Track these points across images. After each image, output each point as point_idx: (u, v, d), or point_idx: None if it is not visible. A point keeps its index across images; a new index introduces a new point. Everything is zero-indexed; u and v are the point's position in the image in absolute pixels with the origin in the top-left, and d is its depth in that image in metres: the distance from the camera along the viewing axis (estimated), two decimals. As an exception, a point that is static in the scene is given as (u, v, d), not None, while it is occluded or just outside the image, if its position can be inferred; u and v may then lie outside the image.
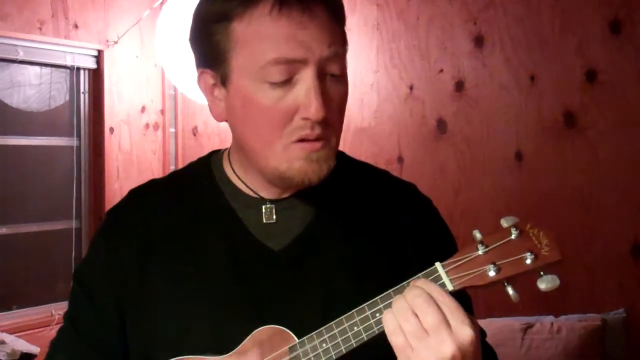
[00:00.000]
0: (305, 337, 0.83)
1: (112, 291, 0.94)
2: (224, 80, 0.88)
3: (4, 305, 2.85)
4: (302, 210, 0.94)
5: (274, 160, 0.86)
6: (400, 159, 2.59)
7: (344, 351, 0.81)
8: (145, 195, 1.00)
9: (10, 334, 2.63)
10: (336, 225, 0.94)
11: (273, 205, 0.93)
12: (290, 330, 0.85)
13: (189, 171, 1.02)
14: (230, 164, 0.97)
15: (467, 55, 2.43)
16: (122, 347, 0.95)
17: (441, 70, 2.50)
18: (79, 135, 3.11)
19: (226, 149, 1.01)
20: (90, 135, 3.15)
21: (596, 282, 2.14)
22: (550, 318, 2.14)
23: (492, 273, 0.78)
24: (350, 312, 0.81)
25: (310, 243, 0.92)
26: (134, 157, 3.26)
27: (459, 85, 2.46)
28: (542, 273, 0.78)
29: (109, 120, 3.13)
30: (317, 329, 0.83)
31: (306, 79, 0.83)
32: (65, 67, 3.01)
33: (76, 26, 3.00)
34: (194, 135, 3.34)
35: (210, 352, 0.87)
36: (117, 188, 3.17)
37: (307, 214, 0.94)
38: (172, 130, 3.40)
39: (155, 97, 3.36)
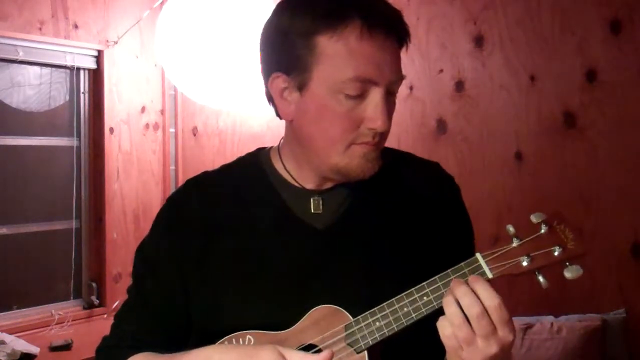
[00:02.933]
0: (359, 317, 0.93)
1: (176, 267, 1.04)
2: (300, 87, 0.98)
3: (4, 305, 2.85)
4: (342, 197, 1.05)
5: (336, 157, 0.98)
6: (400, 159, 2.59)
7: (395, 329, 0.92)
8: (201, 183, 1.11)
9: (10, 334, 2.64)
10: (372, 206, 1.06)
11: (320, 197, 1.05)
12: (338, 301, 0.95)
13: (239, 164, 1.13)
14: (281, 158, 1.08)
15: (467, 55, 2.43)
16: (185, 319, 1.05)
17: (441, 70, 2.50)
18: (79, 135, 3.11)
19: (271, 146, 1.12)
20: (90, 135, 3.15)
21: (596, 282, 2.14)
22: (550, 318, 2.14)
23: (525, 263, 0.90)
24: (400, 295, 0.92)
25: (350, 223, 1.04)
26: (134, 157, 3.26)
27: (459, 85, 2.46)
28: (567, 264, 0.90)
29: (109, 120, 3.13)
30: (361, 298, 0.94)
31: (376, 96, 0.96)
32: (65, 67, 3.01)
33: (76, 26, 3.00)
34: (194, 135, 3.34)
35: (267, 323, 0.97)
36: (117, 188, 3.17)
37: (346, 200, 1.05)
38: (172, 130, 3.40)
39: (155, 97, 3.36)
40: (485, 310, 0.86)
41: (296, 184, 1.06)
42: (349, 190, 1.06)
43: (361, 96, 0.95)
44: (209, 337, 0.99)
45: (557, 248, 0.90)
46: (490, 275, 0.90)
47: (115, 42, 3.13)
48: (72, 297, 3.07)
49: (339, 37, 0.93)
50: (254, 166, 1.10)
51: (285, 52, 0.98)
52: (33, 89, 2.97)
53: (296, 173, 1.06)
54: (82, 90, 3.11)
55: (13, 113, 2.89)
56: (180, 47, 2.70)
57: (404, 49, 1.01)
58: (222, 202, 1.07)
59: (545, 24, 2.25)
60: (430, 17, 2.52)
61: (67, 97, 3.08)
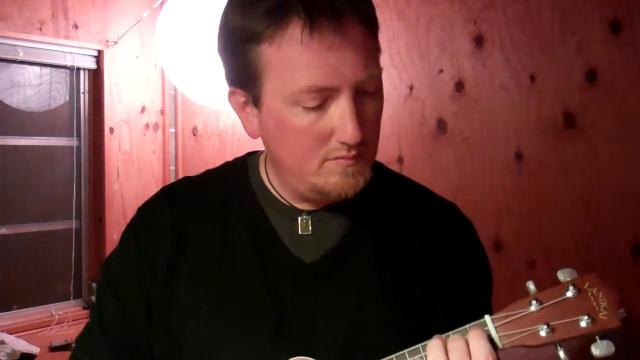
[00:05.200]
0: None
1: (140, 290, 0.92)
2: (255, 101, 0.85)
3: (4, 305, 2.85)
4: (335, 223, 0.92)
5: (311, 178, 0.84)
6: (400, 159, 2.59)
7: None
8: (178, 193, 0.99)
9: (10, 334, 2.64)
10: (369, 241, 0.92)
11: (309, 217, 0.91)
12: (313, 349, 0.83)
13: (224, 171, 1.00)
14: (267, 171, 0.95)
15: (467, 55, 2.43)
16: (149, 348, 0.93)
17: (441, 70, 2.50)
18: (79, 136, 3.11)
19: (262, 151, 0.98)
20: (90, 136, 3.15)
21: (596, 282, 2.14)
22: (550, 318, 2.14)
23: (543, 333, 0.74)
24: (389, 357, 0.78)
25: (342, 258, 0.90)
26: (134, 157, 3.26)
27: (459, 85, 2.46)
28: (597, 338, 0.75)
29: (109, 120, 3.13)
30: (338, 349, 0.82)
31: (341, 103, 0.79)
32: (65, 67, 3.02)
33: (76, 26, 3.00)
34: (194, 135, 3.34)
35: None
36: (117, 188, 3.17)
37: (341, 228, 0.92)
38: (172, 130, 3.40)
39: (155, 97, 3.36)
40: (469, 355, 0.73)
41: (283, 200, 0.92)
42: (345, 216, 0.92)
43: (323, 106, 0.80)
44: None
45: (585, 318, 0.74)
46: (499, 345, 0.75)
47: (115, 42, 3.13)
48: (72, 297, 3.07)
49: (280, 43, 0.78)
50: (240, 175, 0.97)
51: (236, 63, 0.84)
52: (33, 89, 2.97)
53: (281, 190, 0.93)
54: (82, 90, 3.11)
55: (13, 113, 2.89)
56: (180, 47, 2.70)
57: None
58: (198, 214, 0.94)
59: (545, 24, 2.25)
60: (430, 17, 2.52)
61: (67, 97, 3.09)
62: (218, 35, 0.88)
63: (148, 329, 0.92)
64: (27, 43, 2.84)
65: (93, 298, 3.07)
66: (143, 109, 3.31)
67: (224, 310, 0.88)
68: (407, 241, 0.93)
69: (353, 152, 0.82)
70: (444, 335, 0.76)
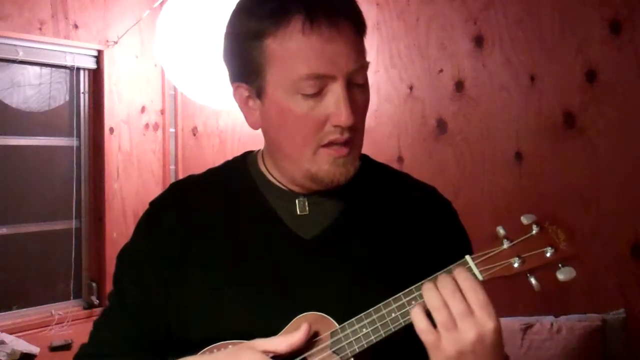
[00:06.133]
0: (345, 323, 0.89)
1: (156, 272, 1.01)
2: (259, 93, 0.96)
3: (4, 305, 2.85)
4: (330, 204, 1.01)
5: (306, 163, 0.95)
6: (400, 159, 2.59)
7: (383, 335, 0.88)
8: (185, 187, 1.10)
9: (10, 334, 2.64)
10: (362, 219, 1.02)
11: (306, 199, 1.01)
12: (322, 310, 0.91)
13: (225, 167, 1.11)
14: (265, 163, 1.05)
15: (467, 55, 2.43)
16: (165, 328, 1.00)
17: (441, 70, 2.50)
18: (79, 135, 3.11)
19: (259, 150, 1.09)
20: (90, 135, 3.15)
21: (596, 282, 2.14)
22: (550, 318, 2.14)
23: (516, 265, 0.87)
24: (387, 301, 0.88)
25: (338, 234, 1.00)
26: (134, 157, 3.26)
27: (459, 85, 2.46)
28: (560, 265, 0.88)
29: (108, 120, 3.13)
30: (342, 312, 0.90)
31: (336, 90, 0.91)
32: (65, 67, 3.01)
33: (76, 26, 3.00)
34: (194, 135, 3.34)
35: (249, 332, 0.92)
36: (117, 188, 3.17)
37: (335, 208, 1.02)
38: (172, 130, 3.40)
39: (155, 97, 3.36)
40: (459, 291, 0.83)
41: (281, 186, 1.03)
42: (338, 198, 1.02)
43: (320, 94, 0.91)
44: (188, 347, 0.95)
45: (549, 249, 0.87)
46: (480, 278, 0.87)
47: (115, 42, 3.13)
48: (72, 297, 3.07)
49: (283, 37, 0.90)
50: (240, 169, 1.08)
51: (240, 59, 0.96)
52: (33, 89, 2.97)
53: (279, 176, 1.03)
54: (82, 90, 3.11)
55: (13, 113, 2.89)
56: (180, 47, 2.70)
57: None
58: (205, 205, 1.04)
59: (545, 24, 2.25)
60: (430, 17, 2.52)
61: (67, 97, 3.08)
62: (224, 40, 0.99)
63: (165, 308, 1.00)
64: (27, 43, 2.83)
65: (93, 298, 3.08)
66: (143, 109, 3.31)
67: (232, 284, 0.96)
68: (395, 218, 1.04)
69: (345, 136, 0.93)
70: (430, 278, 0.88)
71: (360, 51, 0.95)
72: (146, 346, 1.01)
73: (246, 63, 0.95)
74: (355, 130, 0.95)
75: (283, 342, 0.88)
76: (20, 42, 2.81)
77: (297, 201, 1.01)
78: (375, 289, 0.91)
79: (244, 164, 1.08)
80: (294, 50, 0.90)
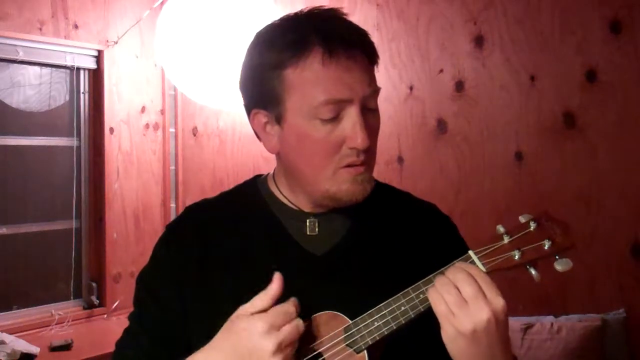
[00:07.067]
0: (357, 318, 0.95)
1: (175, 291, 1.06)
2: (278, 119, 1.01)
3: (4, 305, 2.85)
4: (339, 223, 1.08)
5: (325, 184, 1.00)
6: (400, 159, 2.59)
7: (394, 327, 0.93)
8: (199, 210, 1.15)
9: (10, 334, 2.64)
10: (368, 236, 1.08)
11: (316, 220, 1.07)
12: (331, 311, 0.96)
13: (237, 190, 1.17)
14: (276, 184, 1.11)
15: (467, 55, 2.43)
16: (185, 346, 1.03)
17: (441, 70, 2.50)
18: (79, 135, 3.11)
19: (268, 173, 1.15)
20: (90, 135, 3.15)
21: (596, 282, 2.14)
22: (550, 318, 2.14)
23: (517, 257, 0.93)
24: (397, 296, 0.94)
25: (347, 250, 1.06)
26: (134, 157, 3.26)
27: (459, 85, 2.46)
28: (557, 257, 0.93)
29: (109, 120, 3.13)
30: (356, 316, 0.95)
31: (352, 114, 0.97)
32: (65, 67, 3.02)
33: (76, 26, 3.00)
34: (194, 135, 3.34)
35: None
36: (117, 188, 3.17)
37: (343, 227, 1.08)
38: (172, 130, 3.40)
39: (155, 97, 3.36)
40: (470, 273, 0.90)
41: (293, 207, 1.08)
42: (346, 217, 1.07)
43: (337, 118, 0.97)
44: None
45: (546, 241, 0.93)
46: (483, 269, 0.93)
47: (115, 42, 3.13)
48: (72, 297, 3.07)
49: (303, 67, 0.97)
50: (252, 191, 1.13)
51: (260, 88, 1.01)
52: (33, 89, 2.97)
53: (292, 198, 1.09)
54: (82, 90, 3.11)
55: (13, 113, 2.89)
56: (180, 47, 2.70)
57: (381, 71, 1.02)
58: (219, 226, 1.10)
59: (545, 24, 2.25)
60: (430, 17, 2.52)
61: (67, 97, 3.09)
62: (242, 69, 1.06)
63: (185, 325, 1.05)
64: (27, 43, 2.84)
65: (93, 298, 3.08)
66: (143, 109, 3.31)
67: (247, 300, 0.97)
68: (400, 233, 1.10)
69: (361, 158, 0.99)
70: (437, 272, 0.94)
71: (373, 79, 1.01)
72: None
73: (265, 91, 1.00)
74: (370, 152, 1.01)
75: (264, 298, 0.92)
76: (20, 42, 2.81)
77: (307, 221, 1.07)
78: (384, 300, 0.95)
79: (255, 186, 1.14)
80: (313, 79, 0.96)
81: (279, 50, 0.98)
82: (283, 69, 0.98)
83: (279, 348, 0.89)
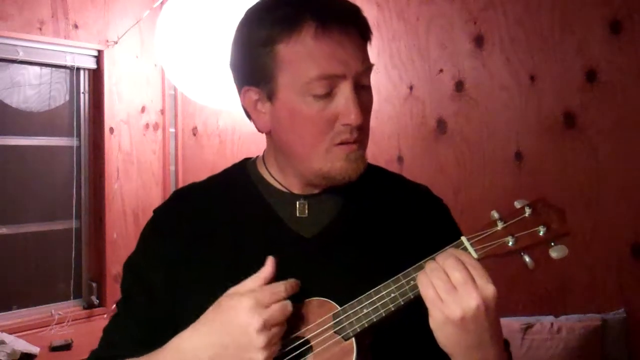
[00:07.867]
0: (346, 305, 0.93)
1: (162, 276, 1.04)
2: (269, 96, 0.99)
3: (4, 305, 2.85)
4: (329, 204, 1.05)
5: (318, 162, 0.98)
6: (400, 159, 2.59)
7: (383, 314, 0.91)
8: (187, 194, 1.13)
9: (10, 334, 2.64)
10: (360, 218, 1.06)
11: (306, 201, 1.05)
12: (321, 298, 0.94)
13: (225, 173, 1.15)
14: (266, 166, 1.09)
15: (467, 55, 2.43)
16: (173, 331, 1.00)
17: (441, 70, 2.50)
18: (79, 135, 3.11)
19: (257, 156, 1.13)
20: (90, 136, 3.15)
21: (596, 282, 2.14)
22: (550, 318, 2.14)
23: (510, 243, 0.90)
24: (387, 282, 0.92)
25: (338, 231, 1.04)
26: (134, 157, 3.26)
27: (459, 85, 2.46)
28: (552, 244, 0.90)
29: (109, 120, 3.13)
30: (343, 305, 0.93)
31: (345, 91, 0.95)
32: (65, 67, 3.02)
33: (76, 26, 3.00)
34: (194, 135, 3.34)
35: None
36: (117, 188, 3.17)
37: (334, 208, 1.06)
38: (172, 130, 3.40)
39: (155, 97, 3.36)
40: (460, 259, 0.87)
41: (282, 188, 1.06)
42: (336, 198, 1.05)
43: (330, 94, 0.95)
44: None
45: (541, 228, 0.90)
46: (475, 256, 0.90)
47: (115, 42, 3.13)
48: (72, 297, 3.07)
49: (296, 42, 0.94)
50: (241, 174, 1.11)
51: (251, 65, 0.99)
52: (33, 89, 2.97)
53: (281, 179, 1.06)
54: (82, 90, 3.11)
55: (13, 113, 2.89)
56: (180, 47, 2.70)
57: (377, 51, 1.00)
58: (207, 209, 1.08)
59: (545, 24, 2.25)
60: (430, 17, 2.52)
61: (67, 97, 3.09)
62: (232, 47, 1.04)
63: (172, 310, 1.03)
64: (27, 43, 2.84)
65: (93, 298, 3.08)
66: (143, 109, 3.31)
67: (235, 284, 0.96)
68: (391, 215, 1.08)
69: (355, 135, 0.97)
70: (429, 258, 0.91)
71: (366, 55, 0.99)
72: (155, 347, 1.02)
73: (257, 68, 0.98)
74: (363, 130, 0.99)
75: (255, 279, 0.92)
76: (20, 42, 2.81)
77: (297, 203, 1.05)
78: (375, 283, 0.93)
79: (244, 168, 1.12)
80: (306, 54, 0.94)
81: (270, 25, 0.96)
82: (274, 44, 0.95)
83: (265, 326, 0.88)
